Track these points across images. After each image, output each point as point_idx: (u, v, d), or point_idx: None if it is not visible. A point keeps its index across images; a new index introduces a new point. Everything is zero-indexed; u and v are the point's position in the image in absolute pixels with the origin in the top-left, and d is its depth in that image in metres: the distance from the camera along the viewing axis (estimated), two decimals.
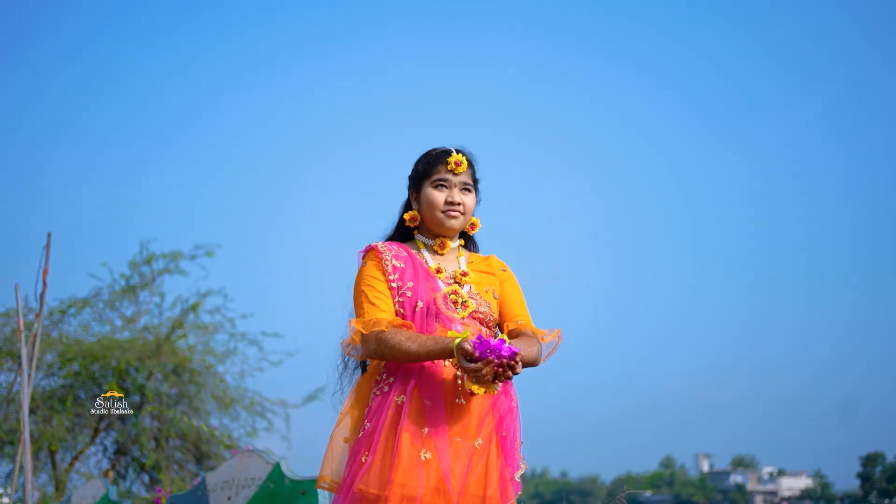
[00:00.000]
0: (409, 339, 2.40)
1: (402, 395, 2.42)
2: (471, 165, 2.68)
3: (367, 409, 2.47)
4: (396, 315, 2.52)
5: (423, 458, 2.35)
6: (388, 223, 2.80)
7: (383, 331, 2.43)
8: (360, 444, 2.43)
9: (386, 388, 2.46)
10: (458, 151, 2.66)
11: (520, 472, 2.51)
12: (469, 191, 2.66)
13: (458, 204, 2.63)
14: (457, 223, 2.64)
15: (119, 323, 11.34)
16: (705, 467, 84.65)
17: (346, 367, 2.69)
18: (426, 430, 2.38)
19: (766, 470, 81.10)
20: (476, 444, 2.42)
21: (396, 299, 2.53)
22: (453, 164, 2.63)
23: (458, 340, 2.34)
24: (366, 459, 2.38)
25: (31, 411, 9.70)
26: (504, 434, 2.48)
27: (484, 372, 2.29)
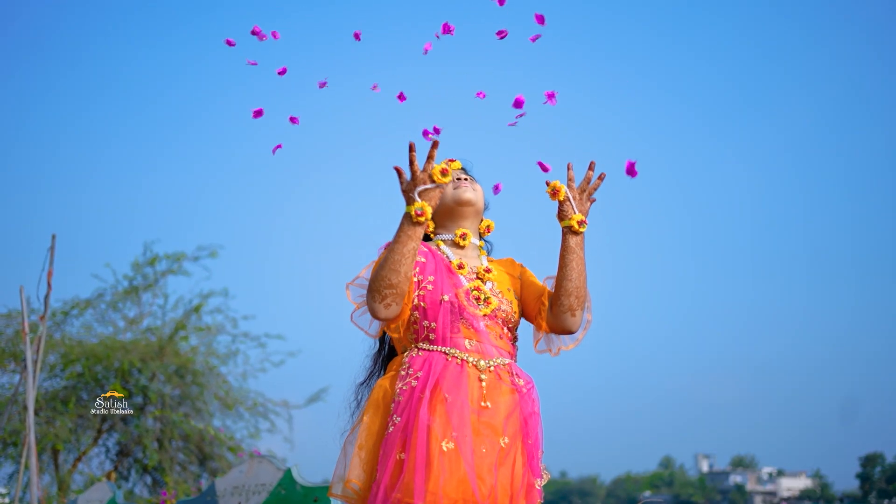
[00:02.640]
0: (381, 258, 2.44)
1: (426, 390, 2.38)
2: (464, 168, 2.78)
3: (394, 405, 2.40)
4: (416, 309, 2.51)
5: (444, 449, 2.29)
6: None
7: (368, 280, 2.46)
8: (391, 441, 2.36)
9: (414, 383, 2.40)
10: None
11: (542, 482, 2.47)
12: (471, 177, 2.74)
13: (465, 179, 2.69)
14: (471, 194, 2.66)
15: (122, 324, 11.34)
16: (705, 467, 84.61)
17: (358, 405, 2.65)
18: (450, 423, 2.33)
19: (766, 470, 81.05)
20: (502, 441, 2.38)
21: (417, 293, 2.50)
22: (446, 163, 2.73)
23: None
24: (401, 457, 2.33)
25: (34, 412, 9.69)
26: (529, 441, 2.45)
27: (417, 175, 2.40)
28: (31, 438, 6.04)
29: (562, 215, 2.56)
